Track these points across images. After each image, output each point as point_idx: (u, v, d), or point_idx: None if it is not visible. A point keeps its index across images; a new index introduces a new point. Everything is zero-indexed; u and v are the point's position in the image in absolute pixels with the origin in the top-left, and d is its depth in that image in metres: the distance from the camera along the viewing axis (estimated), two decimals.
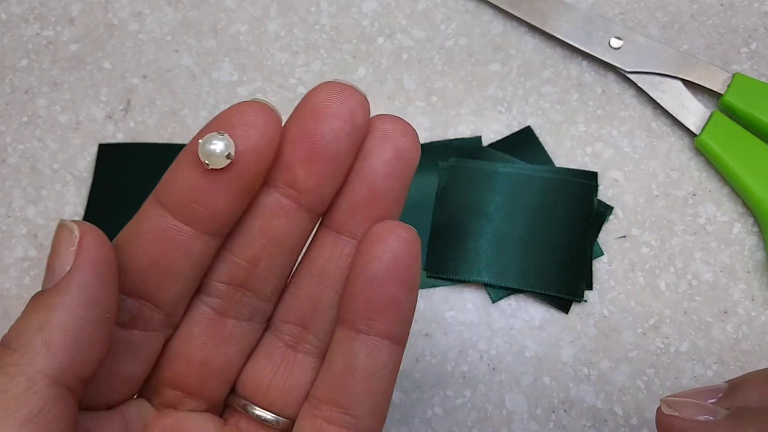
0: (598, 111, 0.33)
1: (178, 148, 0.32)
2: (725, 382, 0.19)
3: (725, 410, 0.17)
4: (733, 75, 0.32)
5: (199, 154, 0.17)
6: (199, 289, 0.19)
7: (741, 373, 0.29)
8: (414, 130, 0.19)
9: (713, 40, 0.34)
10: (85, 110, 0.34)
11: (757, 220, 0.31)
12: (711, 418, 0.17)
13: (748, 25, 0.34)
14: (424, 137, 0.33)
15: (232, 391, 0.21)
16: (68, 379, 0.16)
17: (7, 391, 0.15)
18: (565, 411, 0.29)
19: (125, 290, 0.18)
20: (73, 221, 0.17)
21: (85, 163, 0.33)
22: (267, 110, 0.17)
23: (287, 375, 0.20)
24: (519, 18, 0.34)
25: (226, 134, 0.17)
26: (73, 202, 0.32)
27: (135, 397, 0.20)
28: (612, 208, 0.31)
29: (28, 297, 0.31)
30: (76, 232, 0.17)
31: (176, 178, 0.18)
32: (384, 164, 0.18)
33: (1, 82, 0.34)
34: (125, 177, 0.32)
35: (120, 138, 0.33)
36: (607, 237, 0.31)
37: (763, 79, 0.33)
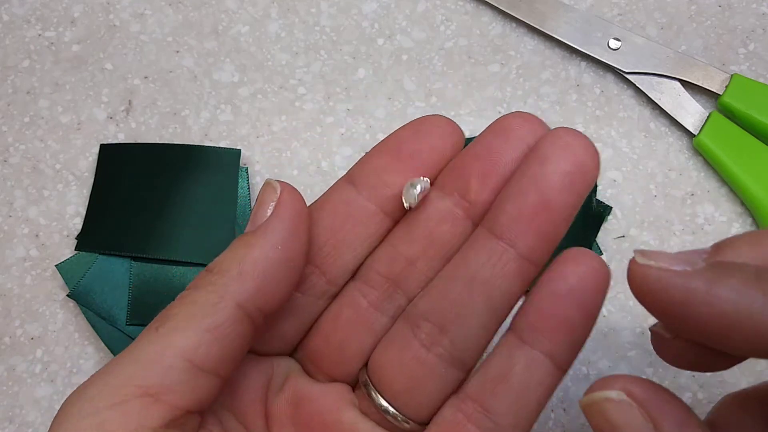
0: (596, 111, 0.33)
1: (179, 148, 0.32)
2: (710, 246, 0.17)
3: (703, 262, 0.15)
4: (731, 76, 0.32)
5: (403, 198, 0.19)
6: (356, 275, 0.21)
7: (739, 373, 0.29)
8: (595, 149, 0.18)
9: (711, 41, 0.34)
10: (87, 111, 0.34)
11: (756, 220, 0.31)
12: (688, 268, 0.15)
13: (746, 26, 0.34)
14: None
15: (368, 382, 0.21)
16: (251, 307, 0.18)
17: (198, 302, 0.18)
18: (564, 410, 0.29)
19: None
20: (277, 181, 0.19)
21: (87, 163, 0.33)
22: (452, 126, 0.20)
23: (415, 375, 0.20)
24: (518, 19, 0.34)
25: (423, 179, 0.19)
26: (75, 202, 0.32)
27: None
28: (611, 208, 0.31)
29: (30, 297, 0.31)
30: (278, 190, 0.19)
31: (370, 161, 0.20)
32: (561, 175, 0.18)
33: (3, 83, 0.34)
34: (127, 177, 0.32)
35: (121, 138, 0.33)
36: (605, 237, 0.31)
37: (761, 80, 0.33)
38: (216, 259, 0.19)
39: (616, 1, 0.35)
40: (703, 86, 0.32)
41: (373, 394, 0.20)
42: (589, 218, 0.31)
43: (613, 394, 0.15)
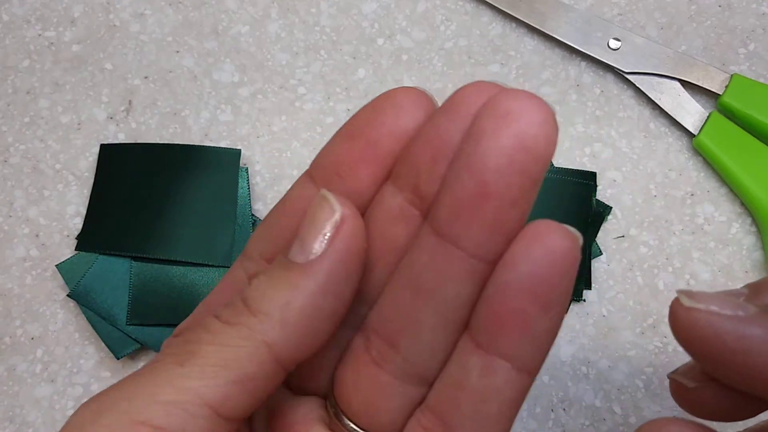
0: (596, 112, 0.33)
1: (180, 148, 0.32)
2: (743, 286, 0.16)
3: (755, 306, 0.14)
4: (731, 76, 0.32)
5: None
6: None
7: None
8: (549, 111, 0.14)
9: (711, 41, 0.34)
10: (87, 111, 0.34)
11: (755, 220, 0.31)
12: (742, 313, 0.13)
13: (746, 26, 0.34)
14: None
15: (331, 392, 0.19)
16: (286, 360, 0.16)
17: (230, 346, 0.15)
18: (564, 410, 0.29)
19: None
20: (336, 198, 0.16)
21: (87, 163, 0.33)
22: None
23: (370, 394, 0.18)
24: (518, 19, 0.34)
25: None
26: (75, 202, 0.32)
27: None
28: (610, 208, 0.32)
29: (30, 297, 0.31)
30: (337, 212, 0.16)
31: (328, 152, 0.18)
32: (499, 153, 0.14)
33: (3, 83, 0.34)
34: (127, 177, 0.32)
35: (121, 138, 0.33)
36: (605, 237, 0.31)
37: (761, 80, 0.33)
38: (253, 292, 0.16)
39: (616, 1, 0.35)
40: (703, 86, 0.32)
41: (338, 413, 0.18)
42: (589, 218, 0.31)
43: None
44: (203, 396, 0.15)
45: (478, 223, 0.15)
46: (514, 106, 0.14)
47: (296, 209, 0.18)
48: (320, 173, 0.18)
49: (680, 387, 0.17)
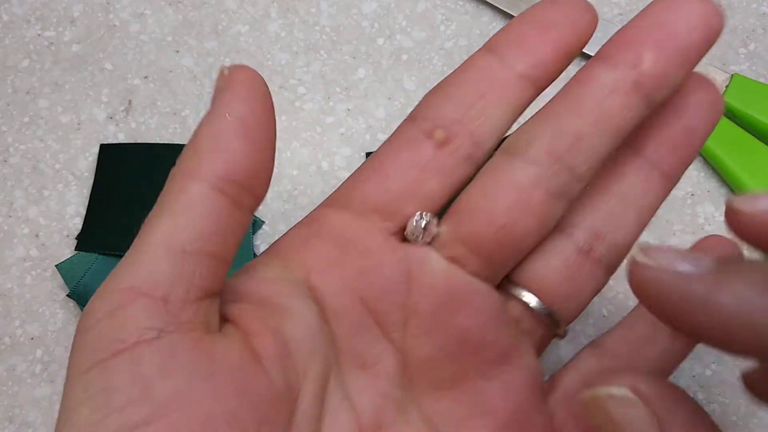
0: None
1: (180, 148, 0.32)
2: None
3: (711, 261, 0.14)
4: (732, 76, 0.32)
5: (407, 232, 0.20)
6: (510, 149, 0.20)
7: (739, 374, 0.29)
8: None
9: None
10: (87, 111, 0.34)
11: None
12: (692, 269, 0.14)
13: (747, 26, 0.34)
14: None
15: (513, 281, 0.21)
16: (218, 181, 0.17)
17: (166, 190, 0.17)
18: None
19: None
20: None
21: (87, 163, 0.33)
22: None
23: (573, 279, 0.20)
24: None
25: (426, 214, 0.19)
26: (75, 202, 0.32)
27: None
28: None
29: (30, 297, 0.31)
30: (225, 70, 0.18)
31: (509, 32, 0.20)
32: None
33: (2, 83, 0.34)
34: (126, 177, 0.32)
35: (121, 138, 0.33)
36: None
37: (762, 80, 0.33)
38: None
39: (617, 1, 0.35)
40: None
41: (526, 297, 0.20)
42: None
43: (618, 390, 0.15)
44: (155, 235, 0.16)
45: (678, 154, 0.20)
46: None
47: (477, 77, 0.19)
48: (502, 46, 0.20)
49: (749, 378, 0.17)
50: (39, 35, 0.35)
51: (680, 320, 0.14)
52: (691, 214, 0.32)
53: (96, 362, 0.15)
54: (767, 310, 0.13)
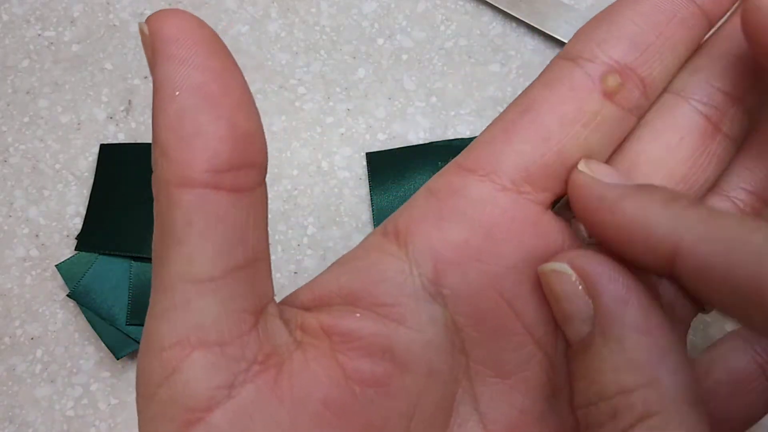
0: None
1: None
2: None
3: (632, 182, 0.15)
4: None
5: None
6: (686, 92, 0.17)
7: None
8: None
9: None
10: (87, 111, 0.34)
11: None
12: (617, 181, 0.15)
13: None
14: (424, 137, 0.33)
15: None
16: (202, 174, 0.14)
17: (155, 212, 0.14)
18: None
19: None
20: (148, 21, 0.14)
21: (87, 163, 0.33)
22: None
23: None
24: (518, 19, 0.34)
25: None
26: (75, 202, 0.32)
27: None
28: None
29: (30, 297, 0.31)
30: (145, 29, 0.14)
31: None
32: None
33: (2, 83, 0.34)
34: (126, 177, 0.32)
35: (121, 138, 0.33)
36: None
37: None
38: None
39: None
40: None
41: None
42: None
43: (559, 265, 0.15)
44: (172, 272, 0.14)
45: None
46: None
47: (651, 9, 0.17)
48: None
49: None
50: (39, 35, 0.35)
51: (592, 220, 0.15)
52: None
53: None
54: (660, 219, 0.14)
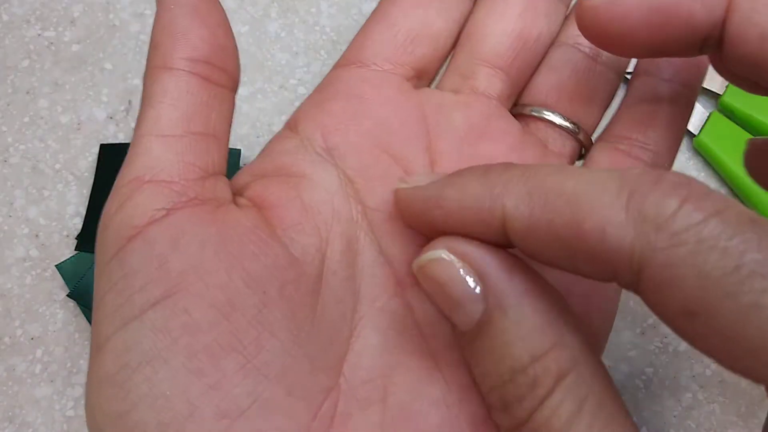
0: None
1: None
2: None
3: (442, 175, 0.16)
4: None
5: None
6: None
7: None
8: None
9: None
10: (87, 111, 0.34)
11: None
12: (428, 180, 0.16)
13: None
14: None
15: (524, 103, 0.21)
16: (183, 62, 0.17)
17: (144, 87, 0.18)
18: None
19: None
20: None
21: (87, 163, 0.33)
22: None
23: (590, 82, 0.21)
24: None
25: None
26: (75, 202, 0.32)
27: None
28: None
29: (30, 297, 0.31)
30: None
31: None
32: None
33: (2, 83, 0.34)
34: None
35: (121, 138, 0.33)
36: None
37: None
38: None
39: None
40: (704, 86, 0.32)
41: (545, 113, 0.21)
42: None
43: (437, 253, 0.15)
44: (142, 128, 0.17)
45: None
46: None
47: None
48: None
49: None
50: (39, 35, 0.35)
51: (425, 223, 0.16)
52: None
53: (114, 252, 0.16)
54: (480, 191, 0.15)
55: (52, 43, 0.35)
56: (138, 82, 0.34)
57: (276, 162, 0.19)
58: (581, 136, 0.21)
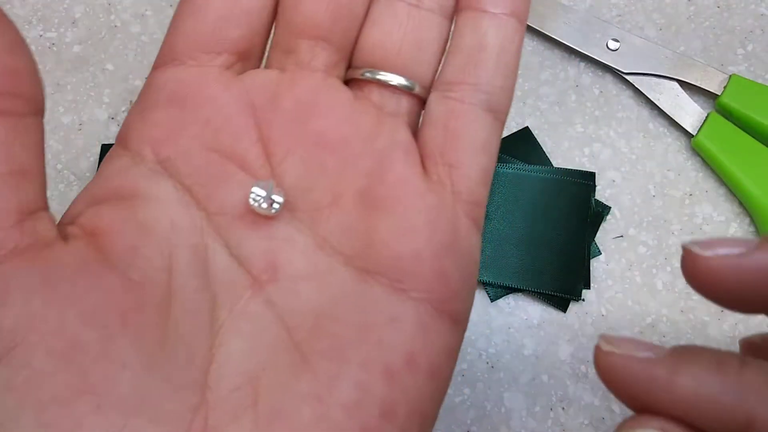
0: (595, 112, 0.33)
1: None
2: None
3: (666, 348, 0.15)
4: (730, 76, 0.32)
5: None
6: None
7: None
8: None
9: (710, 42, 0.34)
10: (88, 111, 0.34)
11: (753, 220, 0.32)
12: (652, 355, 0.15)
13: (745, 27, 0.34)
14: None
15: (356, 66, 0.20)
16: None
17: None
18: (563, 409, 0.29)
19: None
20: None
21: (88, 163, 0.33)
22: None
23: (416, 31, 0.20)
24: None
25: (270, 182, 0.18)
26: None
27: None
28: (609, 208, 0.32)
29: None
30: None
31: None
32: None
33: None
34: None
35: None
36: (604, 236, 0.31)
37: (759, 81, 0.33)
38: None
39: (615, 2, 0.35)
40: (702, 87, 0.33)
41: (379, 75, 0.20)
42: (588, 218, 0.31)
43: None
44: None
45: None
46: None
47: None
48: None
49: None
50: (41, 36, 0.35)
51: (645, 401, 0.15)
52: (690, 214, 0.32)
53: None
54: (719, 388, 0.14)
55: (53, 44, 0.35)
56: (139, 83, 0.34)
57: (108, 184, 0.18)
58: (418, 91, 0.20)
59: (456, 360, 0.19)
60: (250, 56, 0.20)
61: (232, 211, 0.18)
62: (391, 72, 0.20)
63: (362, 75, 0.20)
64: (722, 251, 0.15)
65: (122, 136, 0.19)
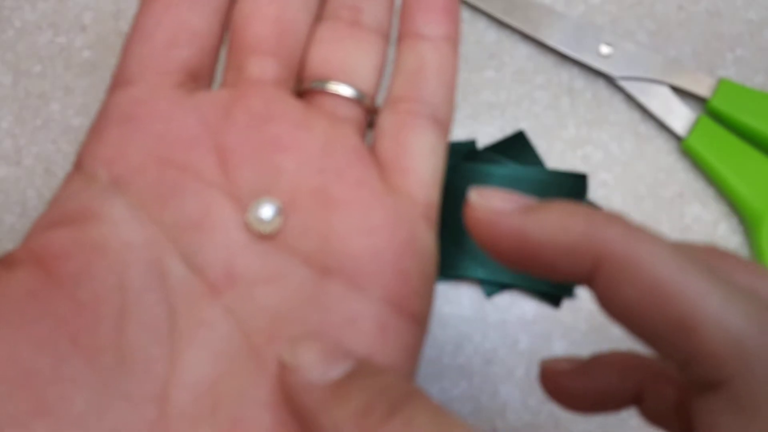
0: (588, 115, 0.34)
1: None
2: None
3: (525, 200, 0.15)
4: (719, 80, 0.33)
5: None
6: None
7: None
8: None
9: (700, 47, 0.35)
10: None
11: (742, 220, 0.32)
12: (510, 206, 0.15)
13: (734, 32, 0.35)
14: None
15: (305, 79, 0.22)
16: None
17: None
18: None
19: None
20: None
21: None
22: None
23: (357, 48, 0.22)
24: (512, 27, 0.35)
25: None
26: None
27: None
28: (601, 208, 0.32)
29: None
30: None
31: None
32: None
33: (15, 87, 0.35)
34: None
35: None
36: None
37: (749, 85, 0.34)
38: None
39: (608, 9, 0.36)
40: (692, 91, 0.33)
41: (329, 85, 0.21)
42: None
43: None
44: None
45: None
46: None
47: None
48: None
49: (553, 376, 0.19)
50: (51, 41, 0.36)
51: (503, 249, 0.15)
52: (679, 214, 0.33)
53: None
54: (569, 228, 0.15)
55: (63, 49, 0.36)
56: None
57: (61, 209, 0.18)
58: (367, 102, 0.22)
59: (417, 360, 0.19)
60: (201, 75, 0.21)
61: (188, 222, 0.18)
62: (339, 82, 0.21)
63: (312, 85, 0.21)
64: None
65: (78, 159, 0.19)
